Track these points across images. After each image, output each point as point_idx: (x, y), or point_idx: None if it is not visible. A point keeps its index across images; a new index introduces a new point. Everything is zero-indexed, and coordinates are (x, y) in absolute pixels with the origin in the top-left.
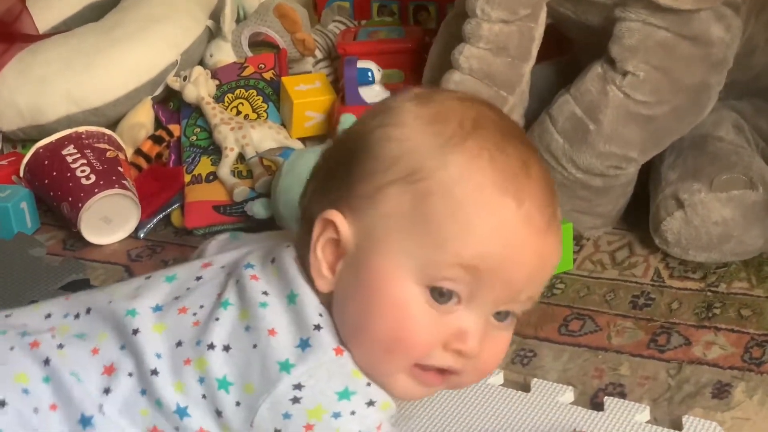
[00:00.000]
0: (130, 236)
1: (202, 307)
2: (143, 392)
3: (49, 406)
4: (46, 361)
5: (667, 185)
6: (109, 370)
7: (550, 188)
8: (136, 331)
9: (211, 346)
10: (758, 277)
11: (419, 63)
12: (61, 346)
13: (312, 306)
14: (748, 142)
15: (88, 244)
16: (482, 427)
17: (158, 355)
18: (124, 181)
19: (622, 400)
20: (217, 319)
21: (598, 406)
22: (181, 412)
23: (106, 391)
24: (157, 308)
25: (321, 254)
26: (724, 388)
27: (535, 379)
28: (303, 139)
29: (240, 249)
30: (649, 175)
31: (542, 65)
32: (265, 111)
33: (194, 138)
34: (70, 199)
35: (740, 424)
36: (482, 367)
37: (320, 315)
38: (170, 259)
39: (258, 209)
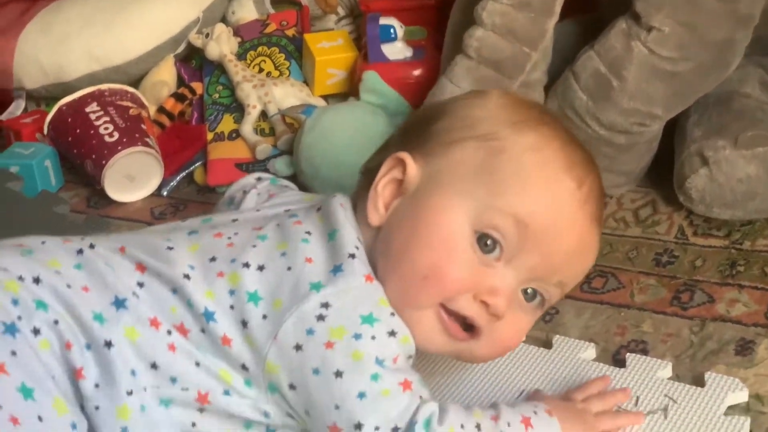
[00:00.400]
0: (153, 194)
1: (237, 234)
2: (174, 291)
3: (81, 287)
4: (80, 251)
5: (691, 142)
6: (141, 268)
7: (603, 195)
8: (170, 248)
9: (246, 265)
10: None
11: (442, 19)
12: (92, 246)
13: (350, 239)
14: None
15: (111, 202)
16: (504, 382)
17: (191, 267)
18: (147, 139)
19: (644, 356)
20: (254, 246)
21: (620, 363)
22: (209, 316)
23: (140, 284)
24: (192, 232)
25: (381, 190)
26: (747, 345)
27: (557, 336)
28: (325, 97)
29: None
30: (673, 132)
31: (566, 22)
32: (287, 68)
33: (216, 96)
34: (93, 156)
35: (763, 380)
36: (499, 340)
37: (356, 248)
38: (193, 216)
39: (280, 166)
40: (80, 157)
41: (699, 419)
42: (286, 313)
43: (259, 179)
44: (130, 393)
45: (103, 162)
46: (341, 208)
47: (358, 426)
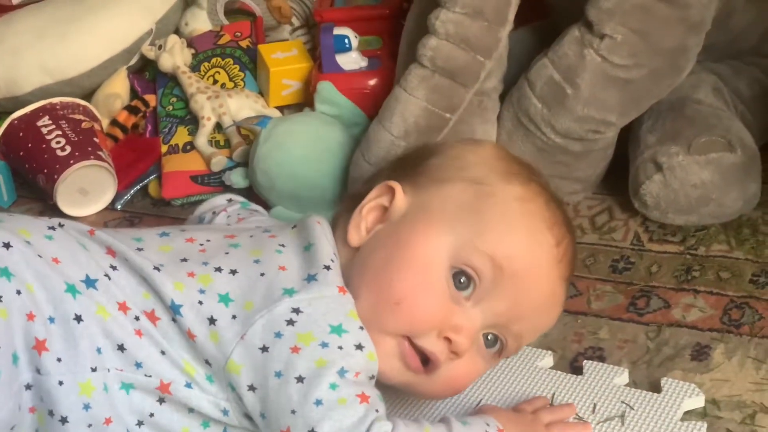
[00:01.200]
0: (107, 208)
1: (209, 241)
2: (144, 280)
3: (52, 258)
4: (52, 227)
5: (645, 148)
6: (112, 253)
7: (575, 260)
8: (140, 249)
9: (218, 269)
10: (737, 239)
11: (397, 29)
12: (62, 225)
13: (326, 253)
14: (727, 104)
15: (64, 216)
16: (462, 393)
17: (161, 264)
18: (100, 152)
19: (601, 363)
20: (226, 253)
21: (577, 370)
22: (175, 309)
23: (113, 267)
24: (164, 234)
25: (366, 213)
26: (703, 350)
27: None
28: (281, 108)
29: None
30: (628, 138)
31: (520, 30)
32: (242, 79)
33: (170, 108)
34: (45, 170)
35: (719, 385)
36: (452, 379)
37: (332, 260)
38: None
39: (236, 179)
40: (32, 171)
41: (656, 425)
42: (257, 314)
43: (230, 201)
44: (94, 369)
45: (56, 176)
46: (318, 225)
47: None
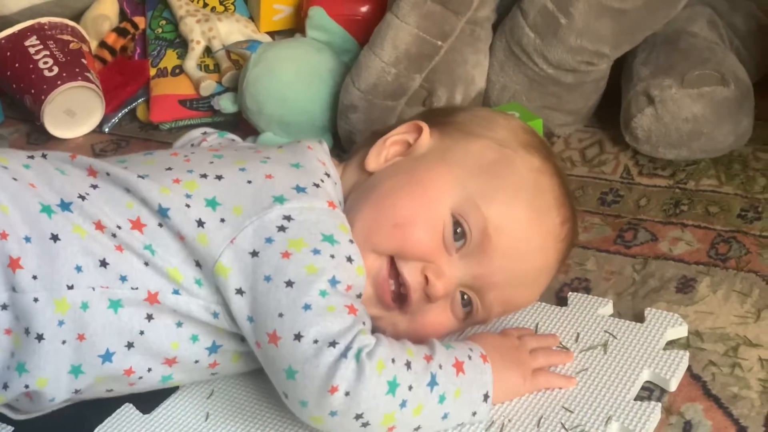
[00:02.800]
0: (94, 130)
1: (193, 153)
2: (127, 190)
3: (28, 183)
4: (30, 157)
5: (638, 81)
6: (93, 173)
7: (571, 248)
8: (122, 161)
9: (204, 176)
10: (727, 174)
11: None
12: (44, 156)
13: (316, 172)
14: (722, 38)
15: (51, 138)
16: None
17: (146, 173)
18: (88, 74)
19: (585, 295)
20: (211, 162)
21: (562, 301)
22: (163, 212)
23: (93, 186)
24: (148, 153)
25: (390, 144)
26: (688, 283)
27: None
28: (271, 33)
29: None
30: (621, 71)
31: None
32: (232, 3)
33: (160, 30)
34: (32, 91)
35: (703, 317)
36: (421, 323)
37: (322, 180)
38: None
39: (225, 103)
40: (19, 91)
41: (638, 354)
42: (247, 219)
43: (205, 133)
44: (71, 287)
45: (43, 97)
46: (309, 150)
47: (298, 336)
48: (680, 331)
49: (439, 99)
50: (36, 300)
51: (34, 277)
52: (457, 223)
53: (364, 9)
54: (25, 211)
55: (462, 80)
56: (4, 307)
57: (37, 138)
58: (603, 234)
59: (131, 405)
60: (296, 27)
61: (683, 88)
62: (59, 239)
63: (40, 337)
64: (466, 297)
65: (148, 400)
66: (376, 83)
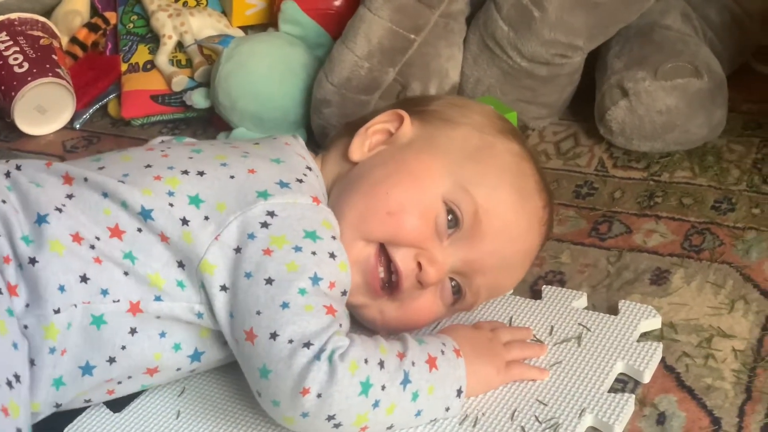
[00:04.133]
0: (65, 127)
1: (170, 149)
2: (105, 195)
3: (13, 209)
4: (7, 174)
5: (612, 74)
6: (68, 180)
7: (550, 232)
8: (100, 169)
9: (185, 172)
10: (701, 166)
11: None
12: (18, 167)
13: (298, 168)
14: (696, 30)
15: (22, 135)
16: None
17: (125, 174)
18: (59, 70)
19: (560, 288)
20: (190, 158)
21: (536, 294)
22: (146, 215)
23: (69, 196)
24: (123, 150)
25: (372, 134)
26: (662, 275)
27: None
28: (244, 28)
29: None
30: (595, 64)
31: None
32: None
33: (131, 25)
34: (2, 87)
35: (677, 309)
36: (411, 310)
37: (304, 175)
38: (107, 150)
39: (197, 99)
40: None
41: (612, 346)
42: (231, 215)
43: (162, 141)
44: (57, 311)
45: (13, 93)
46: (287, 146)
47: (274, 335)
48: (654, 322)
49: (413, 93)
50: (26, 327)
51: (27, 306)
52: (449, 210)
53: (337, 3)
54: (11, 238)
55: (436, 74)
56: (15, 346)
57: (8, 135)
58: (578, 227)
59: (101, 403)
60: (269, 21)
61: (657, 81)
62: (37, 261)
63: (32, 363)
64: (454, 284)
65: (118, 399)
66: (350, 77)
